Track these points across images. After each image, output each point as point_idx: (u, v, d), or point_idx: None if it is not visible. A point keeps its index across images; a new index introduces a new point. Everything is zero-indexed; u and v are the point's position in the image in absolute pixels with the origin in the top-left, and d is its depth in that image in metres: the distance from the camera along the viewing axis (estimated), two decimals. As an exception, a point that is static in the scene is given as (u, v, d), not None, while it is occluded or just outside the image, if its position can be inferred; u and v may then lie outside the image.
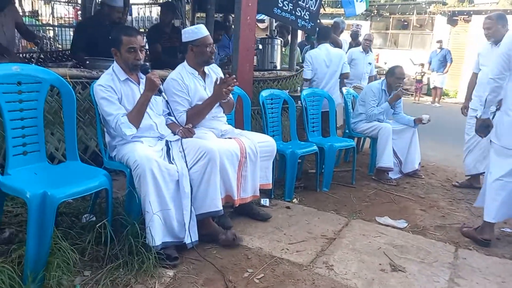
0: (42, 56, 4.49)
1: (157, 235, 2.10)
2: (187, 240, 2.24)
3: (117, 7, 3.69)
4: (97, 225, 2.04)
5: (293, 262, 2.28)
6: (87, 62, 3.12)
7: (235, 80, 2.60)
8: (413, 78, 12.21)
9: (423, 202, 3.45)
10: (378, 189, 3.70)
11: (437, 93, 11.25)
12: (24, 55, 4.81)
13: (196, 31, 2.63)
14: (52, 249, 1.84)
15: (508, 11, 12.08)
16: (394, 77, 4.06)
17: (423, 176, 4.18)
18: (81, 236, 2.13)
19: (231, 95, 2.79)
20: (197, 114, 2.64)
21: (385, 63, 12.70)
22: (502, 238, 2.82)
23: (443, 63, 10.89)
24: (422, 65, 12.05)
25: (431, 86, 11.47)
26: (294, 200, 3.25)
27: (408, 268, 2.29)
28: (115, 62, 2.38)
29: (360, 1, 6.57)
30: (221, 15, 6.20)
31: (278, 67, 4.97)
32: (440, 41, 11.16)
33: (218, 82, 2.59)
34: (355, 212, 3.10)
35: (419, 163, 4.23)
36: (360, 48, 5.90)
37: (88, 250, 2.06)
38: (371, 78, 5.81)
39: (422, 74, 12.04)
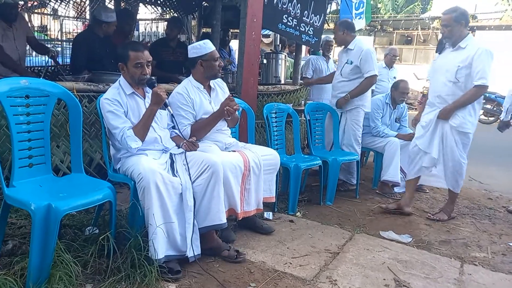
0: (49, 70, 4.57)
1: (160, 248, 2.10)
2: (190, 254, 2.23)
3: (113, 22, 3.81)
4: (100, 238, 2.05)
5: (296, 277, 2.26)
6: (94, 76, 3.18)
7: (236, 105, 2.63)
8: (421, 92, 12.22)
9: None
10: (382, 203, 3.67)
11: None
12: (32, 69, 4.90)
13: (204, 46, 2.67)
14: (55, 261, 1.84)
15: (512, 26, 12.18)
16: (398, 91, 4.11)
17: (427, 191, 4.15)
18: (84, 248, 2.13)
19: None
20: (202, 128, 2.66)
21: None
22: (508, 253, 2.78)
23: None
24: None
25: None
26: (298, 213, 3.24)
27: (413, 283, 2.26)
28: (121, 76, 2.41)
29: (359, 18, 6.63)
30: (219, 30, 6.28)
31: (282, 81, 5.02)
32: None
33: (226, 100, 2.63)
34: (359, 226, 3.08)
35: None
36: (382, 63, 5.63)
37: (90, 262, 2.06)
38: None
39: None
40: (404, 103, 4.28)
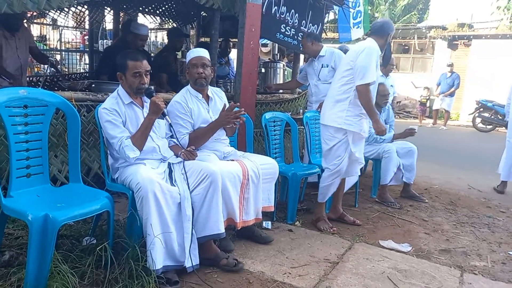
0: (48, 80, 4.59)
1: (158, 259, 2.08)
2: (188, 264, 2.21)
3: (141, 35, 3.84)
4: (98, 248, 2.04)
5: (296, 287, 2.24)
6: (93, 85, 3.18)
7: (243, 112, 2.63)
8: (419, 101, 12.28)
9: (427, 225, 3.42)
10: (381, 212, 3.66)
11: (445, 116, 11.27)
12: (31, 78, 4.92)
13: (189, 53, 2.74)
14: (52, 272, 1.83)
15: (508, 35, 12.28)
16: (379, 95, 4.13)
17: (426, 200, 4.14)
18: (81, 259, 2.12)
19: None
20: (200, 137, 2.66)
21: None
22: (508, 262, 2.77)
23: (451, 87, 10.87)
24: (428, 89, 12.13)
25: (435, 108, 11.45)
26: (297, 223, 3.22)
27: (413, 293, 2.25)
28: (120, 85, 2.42)
29: (357, 28, 6.74)
30: (220, 40, 6.33)
31: (281, 90, 5.03)
32: (451, 65, 11.10)
33: (225, 109, 2.62)
34: (358, 235, 3.07)
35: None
36: (379, 72, 5.73)
37: (87, 273, 2.04)
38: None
39: (427, 97, 12.11)
40: (388, 105, 4.31)
